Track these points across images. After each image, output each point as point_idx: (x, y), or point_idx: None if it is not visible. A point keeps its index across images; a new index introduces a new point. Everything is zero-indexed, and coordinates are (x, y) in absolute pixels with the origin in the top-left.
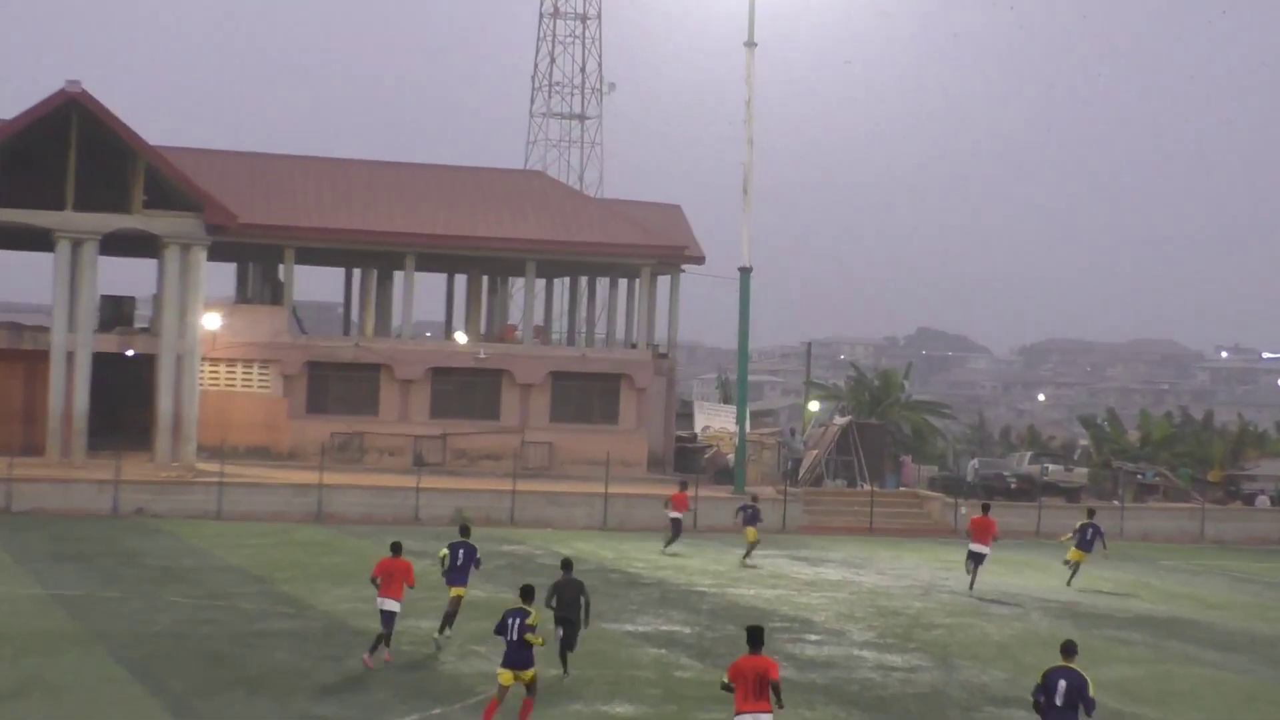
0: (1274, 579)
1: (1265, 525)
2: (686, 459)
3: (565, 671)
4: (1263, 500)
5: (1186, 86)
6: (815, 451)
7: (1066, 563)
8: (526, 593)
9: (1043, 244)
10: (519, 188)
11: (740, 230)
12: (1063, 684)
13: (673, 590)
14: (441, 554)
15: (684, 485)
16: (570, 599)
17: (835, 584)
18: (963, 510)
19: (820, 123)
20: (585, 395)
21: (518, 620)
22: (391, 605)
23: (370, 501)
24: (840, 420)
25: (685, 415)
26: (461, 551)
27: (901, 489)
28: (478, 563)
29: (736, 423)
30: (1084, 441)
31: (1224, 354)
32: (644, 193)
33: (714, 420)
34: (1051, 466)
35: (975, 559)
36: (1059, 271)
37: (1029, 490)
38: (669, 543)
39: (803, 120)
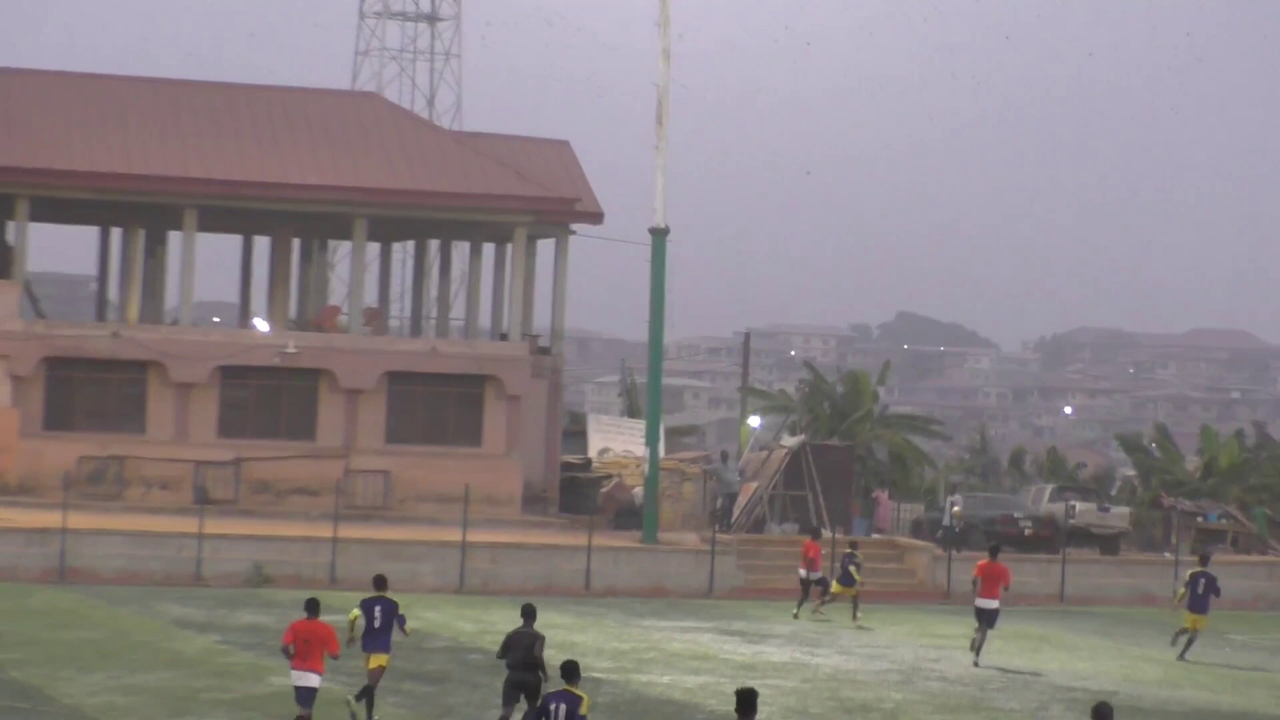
0: None
1: None
2: (577, 494)
3: None
4: None
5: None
6: (755, 484)
7: (1180, 635)
8: (570, 671)
9: (1068, 206)
10: (344, 116)
11: (653, 178)
12: None
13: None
14: (353, 615)
15: (816, 533)
16: (524, 657)
17: (782, 668)
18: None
19: (769, 58)
20: (436, 406)
21: (563, 706)
22: (312, 679)
23: (133, 554)
24: (790, 441)
25: (576, 433)
26: (379, 609)
27: (875, 536)
28: (401, 621)
29: (646, 445)
30: (1126, 470)
31: None
32: (519, 125)
33: (615, 440)
34: (1081, 505)
35: (984, 619)
36: (1090, 239)
37: (1050, 538)
38: (808, 604)
39: (745, 54)
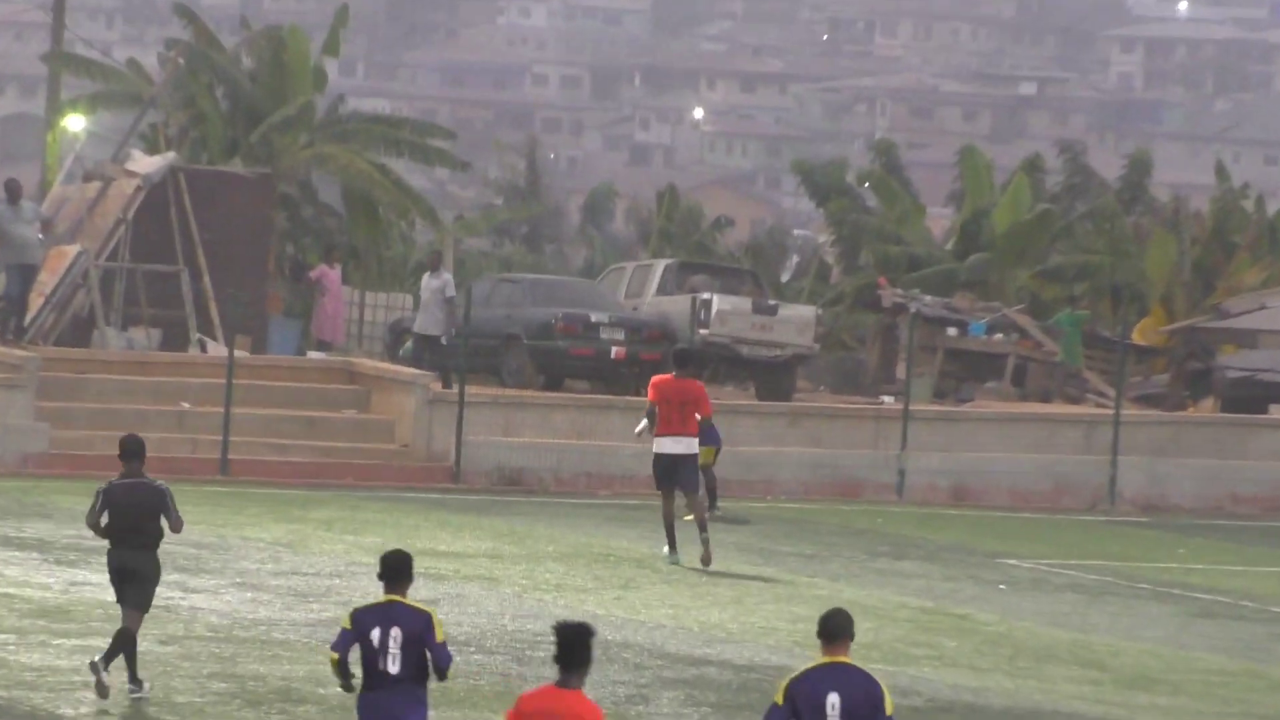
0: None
1: None
2: None
3: (138, 685)
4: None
5: None
6: (76, 249)
7: None
8: (397, 569)
9: None
10: None
11: None
12: (835, 698)
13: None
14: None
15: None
16: (136, 526)
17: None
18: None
19: None
20: None
21: (395, 631)
22: None
23: None
24: (147, 164)
25: None
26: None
27: (316, 355)
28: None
29: None
30: (811, 235)
31: (1183, 3)
32: None
33: None
34: (723, 302)
35: (671, 474)
36: None
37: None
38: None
39: None
